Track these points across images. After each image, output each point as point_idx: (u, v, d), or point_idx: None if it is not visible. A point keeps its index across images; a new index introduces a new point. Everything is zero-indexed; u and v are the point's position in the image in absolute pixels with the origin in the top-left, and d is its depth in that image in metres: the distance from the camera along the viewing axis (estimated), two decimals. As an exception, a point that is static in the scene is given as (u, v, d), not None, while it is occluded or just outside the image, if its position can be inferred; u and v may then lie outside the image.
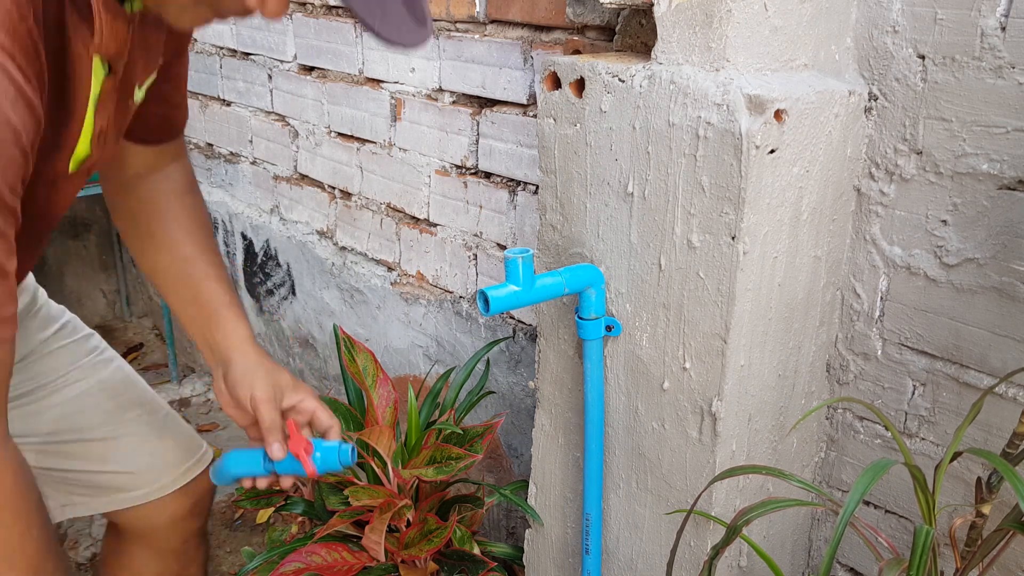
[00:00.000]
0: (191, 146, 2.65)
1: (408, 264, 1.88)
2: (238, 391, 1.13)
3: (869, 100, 1.11)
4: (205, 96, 2.49)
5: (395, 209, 1.88)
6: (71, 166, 0.92)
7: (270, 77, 2.18)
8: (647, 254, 1.11)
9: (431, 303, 1.81)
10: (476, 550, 1.37)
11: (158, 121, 1.17)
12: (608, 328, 1.17)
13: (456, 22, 1.59)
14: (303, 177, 2.17)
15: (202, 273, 1.19)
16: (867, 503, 1.24)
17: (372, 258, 1.99)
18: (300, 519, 1.65)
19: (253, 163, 2.35)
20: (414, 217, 1.84)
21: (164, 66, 1.07)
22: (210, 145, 2.56)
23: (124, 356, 3.02)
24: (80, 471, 1.26)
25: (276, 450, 1.10)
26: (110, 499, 1.28)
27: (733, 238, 1.01)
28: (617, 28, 1.28)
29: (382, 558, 1.33)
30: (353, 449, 1.12)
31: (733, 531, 0.89)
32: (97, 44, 0.83)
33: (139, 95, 1.02)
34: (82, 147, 0.92)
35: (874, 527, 1.00)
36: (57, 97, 0.83)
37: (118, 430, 1.27)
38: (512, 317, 1.64)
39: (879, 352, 1.17)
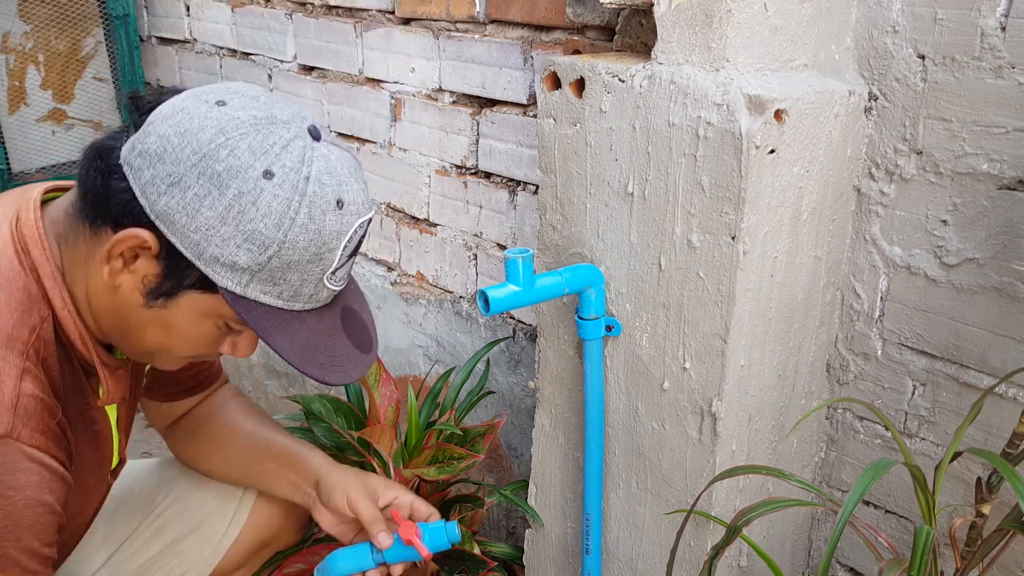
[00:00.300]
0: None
1: (408, 264, 1.88)
2: (333, 500, 1.18)
3: (869, 100, 1.11)
4: (205, 96, 2.49)
5: (395, 209, 1.88)
6: (109, 477, 1.11)
7: (270, 77, 2.18)
8: (647, 254, 1.11)
9: (431, 303, 1.81)
10: (476, 550, 1.37)
11: (188, 378, 1.28)
12: (608, 328, 1.17)
13: (456, 22, 1.59)
14: (303, 177, 2.17)
15: (268, 434, 1.28)
16: (867, 503, 1.24)
17: (372, 258, 1.99)
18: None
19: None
20: (414, 217, 1.84)
21: None
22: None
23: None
24: (158, 557, 1.29)
25: (383, 539, 1.14)
26: (206, 557, 1.30)
27: (733, 238, 1.01)
28: (617, 28, 1.28)
29: (382, 558, 1.33)
30: (458, 525, 1.15)
31: (733, 531, 0.89)
32: (105, 400, 1.00)
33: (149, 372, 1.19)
34: (114, 460, 1.10)
35: (874, 527, 1.00)
36: (91, 446, 1.01)
37: (159, 512, 1.30)
38: (512, 317, 1.64)
39: (879, 352, 1.17)
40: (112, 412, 1.06)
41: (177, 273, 0.88)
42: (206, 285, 0.88)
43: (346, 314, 0.98)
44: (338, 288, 0.94)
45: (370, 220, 0.92)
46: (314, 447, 1.26)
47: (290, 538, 1.36)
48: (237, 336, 0.98)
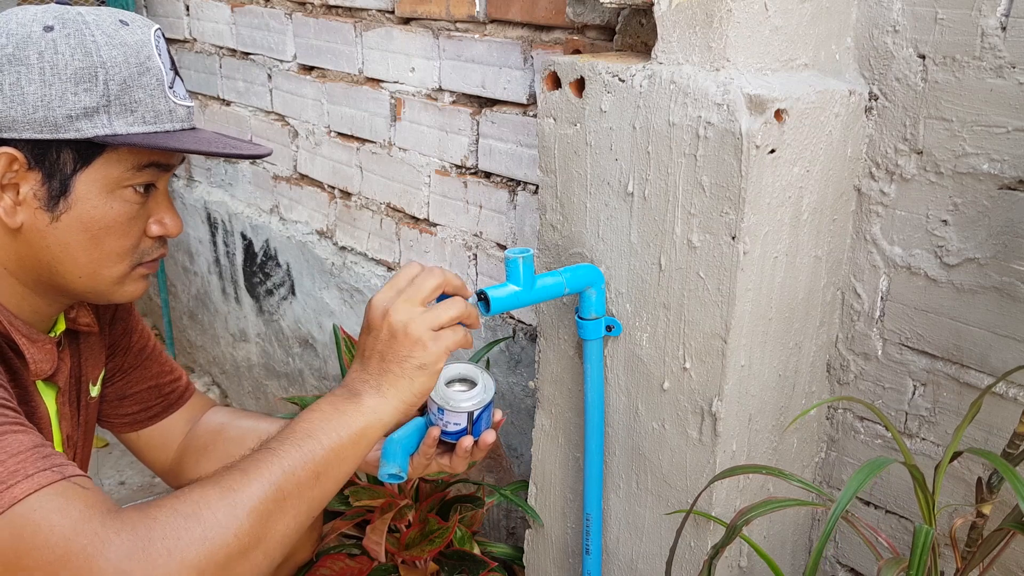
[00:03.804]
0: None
1: (408, 264, 1.88)
2: None
3: (869, 100, 1.11)
4: (205, 96, 2.49)
5: (395, 209, 1.88)
6: None
7: (270, 77, 2.18)
8: (647, 254, 1.11)
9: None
10: (476, 550, 1.37)
11: (153, 395, 1.27)
12: (608, 328, 1.17)
13: (456, 22, 1.59)
14: (303, 177, 2.17)
15: (272, 422, 1.25)
16: (867, 503, 1.24)
17: (372, 258, 1.99)
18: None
19: (253, 163, 2.35)
20: (414, 217, 1.84)
21: (120, 353, 1.24)
22: (210, 145, 2.55)
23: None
24: None
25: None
26: None
27: (733, 238, 1.01)
28: (617, 28, 1.28)
29: (383, 559, 1.33)
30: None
31: (733, 531, 0.89)
32: (34, 371, 1.01)
33: (95, 390, 1.19)
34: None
35: (874, 527, 1.00)
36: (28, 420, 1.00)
37: None
38: (512, 317, 1.64)
39: (879, 352, 1.17)
40: (49, 398, 1.07)
41: (54, 163, 0.93)
42: (84, 156, 0.93)
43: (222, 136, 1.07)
44: (186, 104, 1.01)
45: (161, 31, 1.00)
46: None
47: (307, 552, 1.35)
48: (154, 204, 1.01)
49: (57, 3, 0.97)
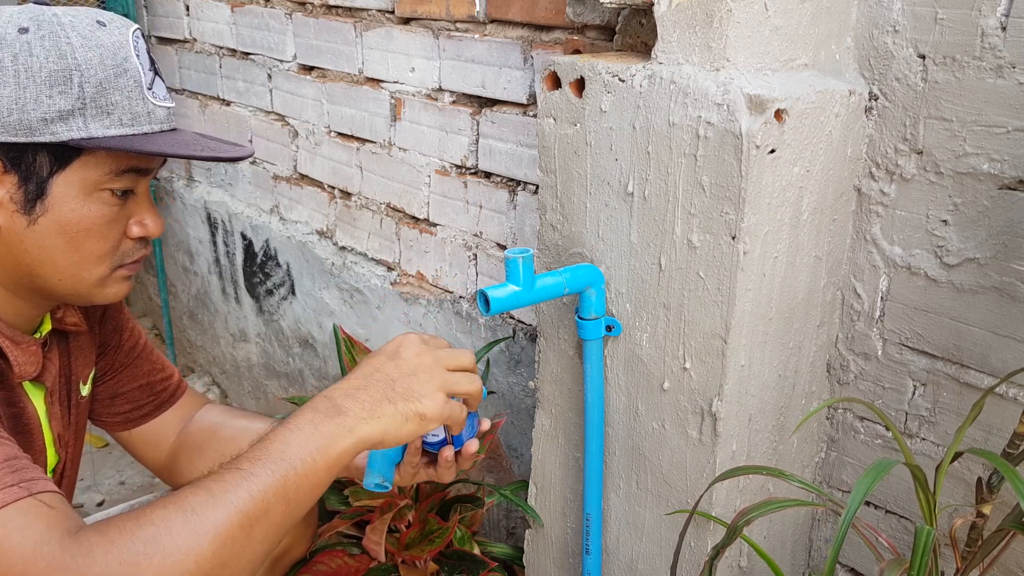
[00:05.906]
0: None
1: (408, 264, 1.88)
2: None
3: (869, 100, 1.11)
4: (205, 96, 2.49)
5: (395, 209, 1.88)
6: (51, 476, 1.09)
7: (270, 77, 2.18)
8: (647, 254, 1.11)
9: (431, 303, 1.81)
10: (476, 550, 1.37)
11: (144, 393, 1.27)
12: (608, 328, 1.17)
13: (456, 22, 1.59)
14: (303, 177, 2.17)
15: (265, 421, 1.25)
16: (868, 503, 1.24)
17: (372, 258, 1.99)
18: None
19: (253, 163, 2.35)
20: (414, 217, 1.84)
21: (110, 351, 1.23)
22: (210, 145, 2.55)
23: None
24: None
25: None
26: None
27: (733, 238, 1.01)
28: (617, 28, 1.28)
29: (382, 558, 1.33)
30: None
31: (734, 531, 0.89)
32: (18, 373, 1.01)
33: (85, 389, 1.19)
34: (51, 456, 1.10)
35: (874, 527, 1.00)
36: (16, 431, 1.01)
37: None
38: (512, 317, 1.64)
39: (879, 352, 1.17)
40: (38, 399, 1.07)
41: (30, 166, 0.92)
42: (60, 159, 0.92)
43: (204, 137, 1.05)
44: (166, 105, 1.00)
45: (140, 30, 0.99)
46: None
47: (302, 549, 1.35)
48: (134, 206, 1.00)
49: (35, 3, 0.96)
